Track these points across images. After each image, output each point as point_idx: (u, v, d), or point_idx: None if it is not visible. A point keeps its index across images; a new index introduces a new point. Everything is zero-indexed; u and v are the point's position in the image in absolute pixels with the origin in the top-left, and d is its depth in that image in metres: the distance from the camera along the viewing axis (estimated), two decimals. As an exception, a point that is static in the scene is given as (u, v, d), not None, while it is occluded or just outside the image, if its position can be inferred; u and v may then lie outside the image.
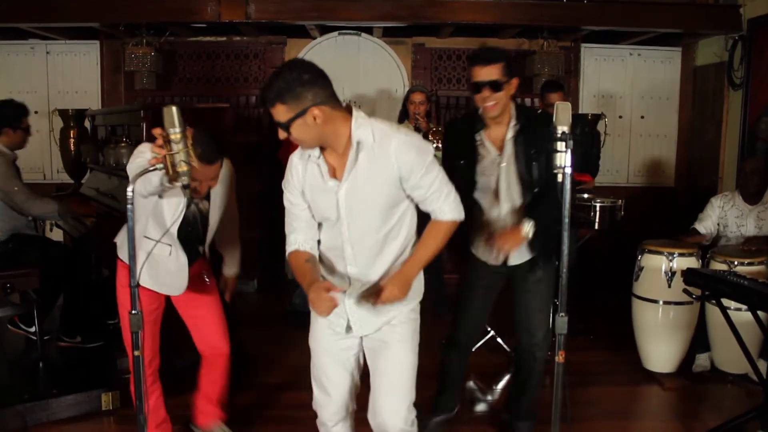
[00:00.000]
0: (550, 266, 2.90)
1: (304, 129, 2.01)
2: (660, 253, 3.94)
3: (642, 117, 6.09)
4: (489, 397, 3.78)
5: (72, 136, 5.12)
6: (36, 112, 5.55)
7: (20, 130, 3.95)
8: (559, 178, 2.16)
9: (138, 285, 2.10)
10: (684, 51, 5.98)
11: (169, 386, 3.14)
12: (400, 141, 2.08)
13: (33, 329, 4.04)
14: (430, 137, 4.52)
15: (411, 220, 2.24)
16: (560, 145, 2.13)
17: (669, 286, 3.90)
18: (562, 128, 2.12)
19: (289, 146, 4.93)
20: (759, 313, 3.19)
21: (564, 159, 2.13)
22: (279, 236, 6.24)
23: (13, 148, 3.98)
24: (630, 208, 5.42)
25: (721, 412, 3.49)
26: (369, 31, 5.83)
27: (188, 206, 2.70)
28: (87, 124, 5.10)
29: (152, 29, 5.43)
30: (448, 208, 2.20)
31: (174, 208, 2.69)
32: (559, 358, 2.16)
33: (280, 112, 1.99)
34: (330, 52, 5.92)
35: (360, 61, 5.92)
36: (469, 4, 5.09)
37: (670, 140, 6.15)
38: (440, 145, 4.85)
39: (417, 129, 4.66)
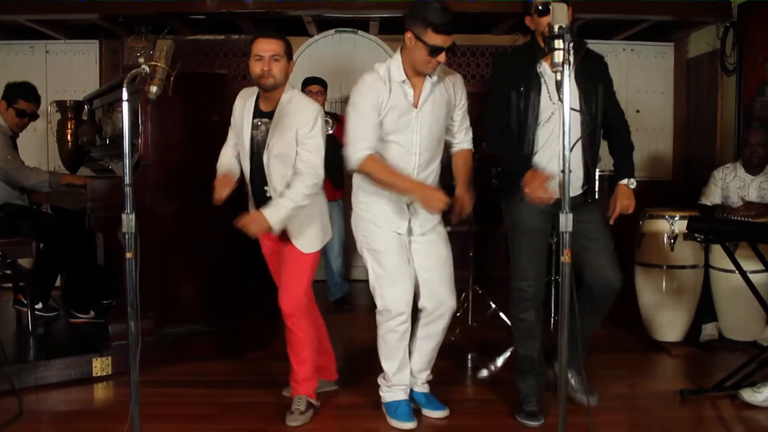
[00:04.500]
0: (595, 203, 3.00)
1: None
2: (661, 217, 3.90)
3: (637, 111, 6.10)
4: (492, 367, 3.66)
5: (69, 127, 5.10)
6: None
7: (12, 109, 3.97)
8: (558, 76, 2.15)
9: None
10: (676, 45, 6.05)
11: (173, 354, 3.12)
12: (458, 80, 2.83)
13: (38, 306, 3.99)
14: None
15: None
16: (557, 43, 2.13)
17: (672, 250, 3.85)
18: (559, 24, 2.12)
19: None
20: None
21: (560, 56, 2.12)
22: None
23: (10, 126, 4.01)
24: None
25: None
26: (365, 28, 5.92)
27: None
28: (85, 115, 5.10)
29: (151, 25, 5.49)
30: (467, 140, 2.93)
31: (241, 123, 2.84)
32: (565, 257, 2.11)
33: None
34: (327, 50, 5.99)
35: (357, 59, 5.97)
36: (463, -6, 5.18)
37: (667, 134, 6.17)
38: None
39: None
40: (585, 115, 2.77)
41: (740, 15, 5.10)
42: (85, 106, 5.02)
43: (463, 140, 2.92)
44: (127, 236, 2.04)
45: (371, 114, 2.65)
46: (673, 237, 3.84)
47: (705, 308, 4.02)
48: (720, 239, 3.14)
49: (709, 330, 4.00)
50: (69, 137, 5.14)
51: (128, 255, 2.05)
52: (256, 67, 2.75)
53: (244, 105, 2.87)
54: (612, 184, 4.15)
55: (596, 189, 3.11)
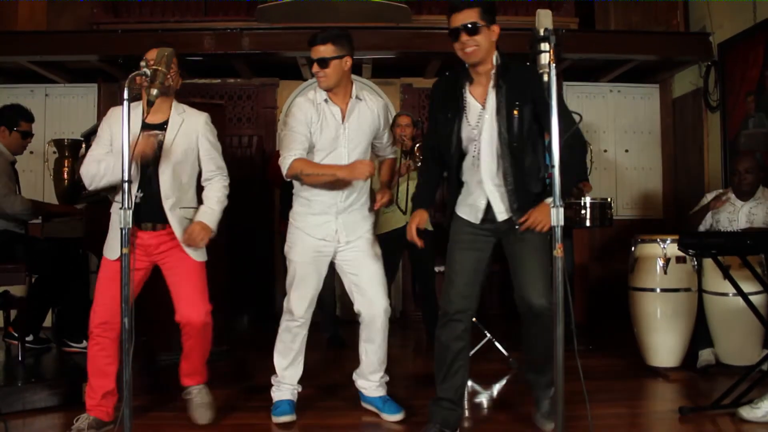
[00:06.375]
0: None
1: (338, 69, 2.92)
2: (653, 241, 3.94)
3: (626, 151, 6.25)
4: (489, 401, 3.59)
5: (66, 165, 5.14)
6: (31, 152, 5.63)
7: (16, 132, 4.03)
8: (545, 78, 2.22)
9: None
10: (661, 86, 6.23)
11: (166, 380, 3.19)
12: (381, 104, 3.12)
13: (29, 338, 3.94)
14: (417, 153, 4.65)
15: None
16: (543, 46, 2.21)
17: (665, 273, 3.87)
18: (544, 27, 2.20)
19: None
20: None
21: (546, 58, 2.20)
22: (270, 273, 6.24)
23: (12, 150, 4.05)
24: (620, 242, 5.44)
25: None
26: (358, 72, 6.08)
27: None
28: (82, 152, 5.15)
29: (150, 68, 5.62)
30: (392, 152, 3.30)
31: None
32: (557, 251, 2.13)
33: (327, 51, 2.90)
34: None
35: (350, 101, 6.10)
36: (454, 36, 5.36)
37: (656, 173, 6.28)
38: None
39: (403, 150, 4.77)
40: (504, 136, 2.63)
41: (720, 53, 5.29)
42: (83, 145, 5.08)
43: (388, 153, 3.29)
44: (122, 232, 2.06)
45: (299, 128, 2.92)
46: (666, 260, 3.86)
47: (701, 334, 4.00)
48: (711, 253, 3.16)
49: (705, 356, 3.97)
50: (65, 175, 5.18)
51: (124, 250, 2.05)
52: None
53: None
54: (603, 211, 4.25)
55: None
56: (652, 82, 6.25)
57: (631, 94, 6.29)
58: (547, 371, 2.80)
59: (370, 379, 3.15)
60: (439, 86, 2.88)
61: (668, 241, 3.88)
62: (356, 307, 3.07)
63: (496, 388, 3.73)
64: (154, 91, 2.27)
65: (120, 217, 2.06)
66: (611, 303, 5.40)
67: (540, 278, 2.65)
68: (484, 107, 2.70)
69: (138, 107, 2.85)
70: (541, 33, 2.20)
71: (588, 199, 4.20)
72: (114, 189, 2.83)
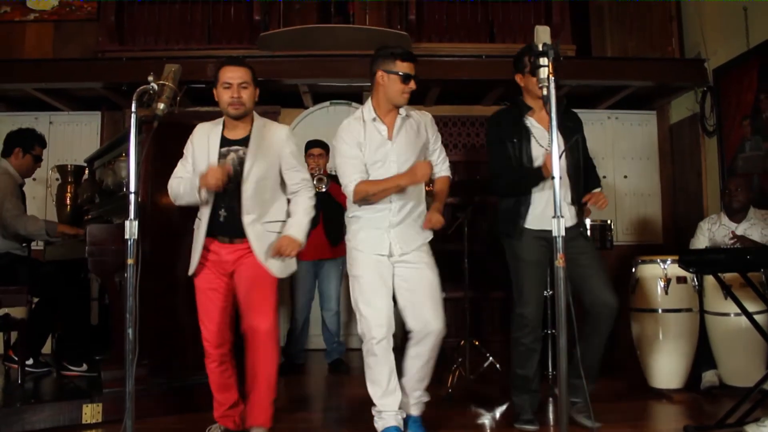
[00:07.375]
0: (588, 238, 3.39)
1: None
2: (654, 261, 3.95)
3: (625, 177, 6.29)
4: (492, 421, 3.57)
5: (69, 191, 5.17)
6: (34, 179, 5.67)
7: (30, 155, 4.11)
8: (544, 91, 2.27)
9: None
10: (659, 113, 6.30)
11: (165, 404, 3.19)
12: (427, 118, 3.13)
13: (29, 362, 3.93)
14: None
15: None
16: (542, 60, 2.26)
17: (666, 293, 3.87)
18: (542, 42, 2.26)
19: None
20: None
21: (545, 72, 2.25)
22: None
23: (22, 173, 4.11)
24: (620, 267, 5.44)
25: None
26: (359, 100, 6.15)
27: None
28: (85, 177, 5.19)
29: (153, 95, 5.69)
30: (445, 168, 3.19)
31: (205, 154, 2.82)
32: (559, 261, 2.14)
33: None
34: (322, 121, 6.19)
35: (351, 128, 6.16)
36: (453, 63, 5.45)
37: (654, 198, 6.30)
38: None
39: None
40: (568, 157, 3.16)
41: (715, 79, 5.37)
42: (86, 170, 5.13)
43: (441, 170, 3.18)
44: (129, 242, 2.07)
45: (352, 151, 2.94)
46: (667, 281, 3.87)
47: (704, 355, 3.99)
48: (711, 269, 3.17)
49: (709, 377, 3.95)
50: (68, 201, 5.21)
51: (129, 261, 2.07)
52: (224, 95, 2.85)
53: (208, 136, 2.92)
54: (603, 233, 4.27)
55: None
56: (649, 109, 6.31)
57: (629, 121, 6.36)
58: (593, 375, 3.24)
59: (409, 395, 3.02)
60: (501, 117, 3.38)
61: (669, 262, 3.90)
62: (409, 325, 2.96)
63: (498, 410, 3.69)
64: (161, 105, 2.30)
65: (126, 227, 2.08)
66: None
67: (609, 281, 3.15)
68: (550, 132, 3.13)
69: (218, 125, 2.93)
70: (540, 48, 2.26)
71: (588, 221, 4.23)
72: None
